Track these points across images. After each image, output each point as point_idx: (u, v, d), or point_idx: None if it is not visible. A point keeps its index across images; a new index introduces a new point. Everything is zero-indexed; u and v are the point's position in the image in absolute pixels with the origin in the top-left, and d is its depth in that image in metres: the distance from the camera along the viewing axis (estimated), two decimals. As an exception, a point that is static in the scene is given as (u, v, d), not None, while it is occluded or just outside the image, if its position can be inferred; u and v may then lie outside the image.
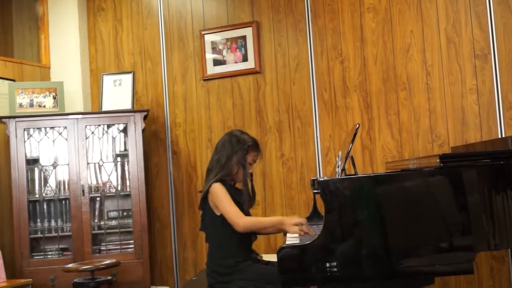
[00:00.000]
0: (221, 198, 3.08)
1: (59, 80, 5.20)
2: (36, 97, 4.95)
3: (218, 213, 3.12)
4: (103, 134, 5.03)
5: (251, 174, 3.31)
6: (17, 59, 5.41)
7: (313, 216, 3.87)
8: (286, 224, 3.11)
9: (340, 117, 4.73)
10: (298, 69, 4.90)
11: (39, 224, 4.87)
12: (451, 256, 2.61)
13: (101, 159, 5.00)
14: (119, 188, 5.03)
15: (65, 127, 4.86)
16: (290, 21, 4.94)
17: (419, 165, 2.88)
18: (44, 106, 4.96)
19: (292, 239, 3.05)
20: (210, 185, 3.13)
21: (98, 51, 5.56)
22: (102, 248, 4.92)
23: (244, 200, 3.19)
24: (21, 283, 4.44)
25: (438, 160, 2.61)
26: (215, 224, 3.14)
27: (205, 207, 3.20)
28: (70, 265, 4.34)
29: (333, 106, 4.76)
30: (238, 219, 3.05)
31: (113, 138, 5.05)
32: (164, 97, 5.32)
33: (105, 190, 4.98)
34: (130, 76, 5.11)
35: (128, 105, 5.01)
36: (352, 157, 3.63)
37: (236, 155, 3.17)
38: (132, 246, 4.87)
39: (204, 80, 5.19)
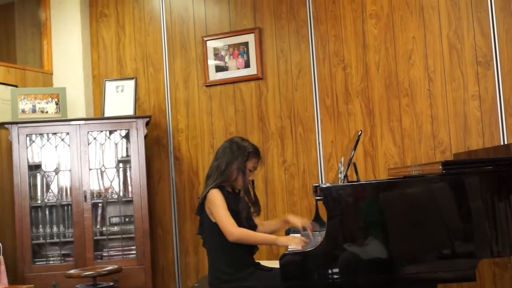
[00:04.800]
0: (216, 205, 3.07)
1: (62, 86, 5.21)
2: (39, 103, 4.96)
3: (213, 220, 3.12)
4: (105, 140, 5.03)
5: (253, 181, 3.30)
6: (19, 65, 5.41)
7: (315, 223, 3.87)
8: (279, 245, 3.14)
9: (342, 123, 4.73)
10: (300, 75, 4.90)
11: (41, 230, 4.87)
12: (454, 263, 2.61)
13: (103, 165, 5.00)
14: (121, 194, 5.02)
15: (68, 133, 4.87)
16: (292, 27, 4.95)
17: (422, 171, 2.88)
18: (47, 112, 4.96)
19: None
20: (208, 191, 3.13)
21: (101, 57, 5.57)
22: (104, 254, 4.91)
23: (243, 207, 3.18)
24: (23, 289, 4.44)
25: (440, 166, 2.61)
26: (213, 230, 3.12)
27: (202, 213, 3.20)
28: (72, 271, 4.33)
29: (335, 112, 4.76)
30: (231, 228, 3.03)
31: (115, 144, 5.05)
32: (166, 103, 5.33)
33: (107, 196, 4.98)
34: (132, 82, 5.12)
35: (130, 111, 5.01)
36: (354, 164, 3.63)
37: (236, 161, 3.17)
38: (134, 252, 4.86)
39: (206, 86, 5.20)
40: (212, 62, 5.18)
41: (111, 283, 4.45)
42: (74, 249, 4.80)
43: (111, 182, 5.00)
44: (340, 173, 3.20)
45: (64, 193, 4.94)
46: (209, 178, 3.22)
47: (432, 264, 2.61)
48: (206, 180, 3.25)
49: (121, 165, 5.05)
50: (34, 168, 4.92)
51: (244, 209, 3.18)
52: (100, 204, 5.01)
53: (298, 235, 3.38)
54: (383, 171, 4.56)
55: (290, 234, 3.63)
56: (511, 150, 3.30)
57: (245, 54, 5.06)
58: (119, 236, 4.96)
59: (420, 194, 2.67)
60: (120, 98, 5.08)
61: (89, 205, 4.81)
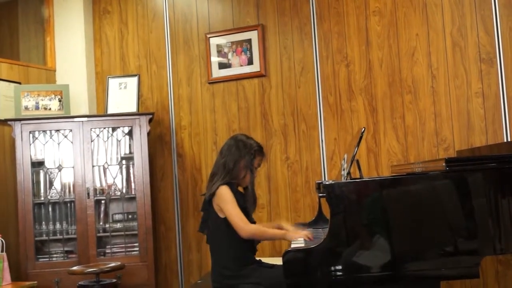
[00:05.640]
0: (227, 202, 3.08)
1: (65, 83, 5.21)
2: (42, 99, 4.96)
3: (222, 216, 3.12)
4: (108, 137, 5.03)
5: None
6: (22, 61, 5.42)
7: (318, 220, 3.87)
8: (287, 239, 3.18)
9: (345, 120, 4.73)
10: (303, 72, 4.90)
11: (44, 226, 4.87)
12: (457, 260, 2.61)
13: (106, 162, 5.00)
14: (124, 191, 5.03)
15: (71, 130, 4.87)
16: (295, 24, 4.94)
17: (425, 168, 2.87)
18: (50, 109, 4.97)
19: (297, 242, 3.05)
20: (217, 188, 3.13)
21: (104, 54, 5.58)
22: (107, 250, 4.92)
23: (251, 205, 3.20)
24: (26, 285, 4.43)
25: (443, 164, 2.60)
26: (219, 227, 3.13)
27: (209, 209, 3.20)
28: (75, 268, 4.34)
29: (338, 110, 4.76)
30: (244, 225, 3.05)
31: (118, 141, 5.05)
32: (169, 100, 5.33)
33: (110, 193, 4.98)
34: (135, 79, 5.12)
35: (133, 108, 5.01)
36: (357, 161, 3.62)
37: (243, 159, 3.18)
38: (137, 249, 4.86)
39: (209, 83, 5.20)
40: (215, 59, 5.17)
41: (114, 280, 4.46)
42: (77, 246, 4.81)
43: (114, 179, 5.00)
44: (343, 170, 3.19)
45: (67, 190, 4.95)
46: (214, 175, 3.22)
47: (435, 261, 2.60)
48: (211, 178, 3.24)
49: (124, 162, 5.06)
50: (37, 165, 4.93)
51: (251, 207, 3.20)
52: (103, 201, 5.01)
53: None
54: (386, 168, 4.56)
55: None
56: (514, 147, 3.29)
57: (248, 51, 5.06)
58: (122, 233, 4.95)
59: (423, 191, 2.66)
60: (123, 95, 5.08)
61: (92, 202, 4.82)
